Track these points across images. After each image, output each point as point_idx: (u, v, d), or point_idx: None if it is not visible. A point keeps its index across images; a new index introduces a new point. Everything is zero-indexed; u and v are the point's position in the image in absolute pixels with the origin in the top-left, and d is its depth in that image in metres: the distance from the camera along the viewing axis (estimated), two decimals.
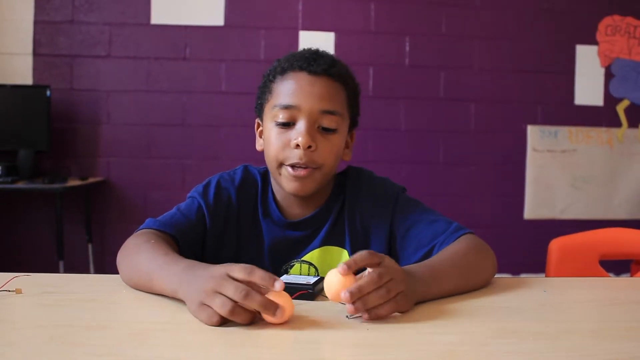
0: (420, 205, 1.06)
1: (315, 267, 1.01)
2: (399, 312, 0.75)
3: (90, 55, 3.05)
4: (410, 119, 3.23)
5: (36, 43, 3.01)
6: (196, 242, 0.99)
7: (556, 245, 1.38)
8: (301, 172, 0.96)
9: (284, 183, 0.99)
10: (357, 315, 0.72)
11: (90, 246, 3.05)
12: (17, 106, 2.90)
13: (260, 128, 1.06)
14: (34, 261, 3.05)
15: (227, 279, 0.68)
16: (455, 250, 0.93)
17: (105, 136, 3.08)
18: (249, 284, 0.68)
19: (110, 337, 0.64)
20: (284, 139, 0.97)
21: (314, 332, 0.69)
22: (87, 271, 3.02)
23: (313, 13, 3.15)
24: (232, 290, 0.67)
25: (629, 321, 0.77)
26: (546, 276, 1.38)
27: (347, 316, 0.72)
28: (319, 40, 3.08)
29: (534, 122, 3.29)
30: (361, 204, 1.04)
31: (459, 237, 0.97)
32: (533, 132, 3.29)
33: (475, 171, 3.28)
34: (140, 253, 0.87)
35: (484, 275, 0.93)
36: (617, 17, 3.31)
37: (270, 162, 1.00)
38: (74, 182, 2.80)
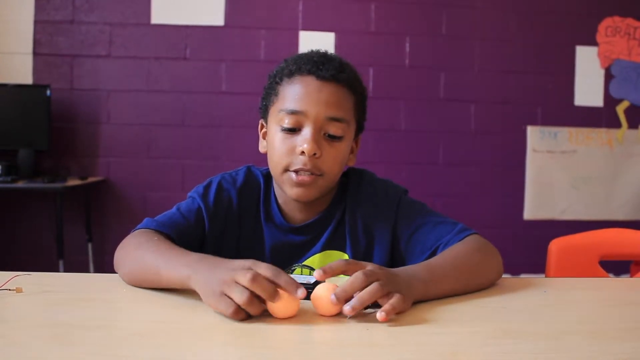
0: (423, 207, 1.05)
1: None
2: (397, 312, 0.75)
3: (91, 55, 3.05)
4: (410, 120, 3.23)
5: (36, 43, 3.01)
6: (194, 243, 0.98)
7: (556, 246, 1.38)
8: (305, 178, 0.95)
9: (287, 188, 0.98)
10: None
11: (90, 245, 3.05)
12: (17, 106, 2.90)
13: (264, 129, 1.05)
14: (34, 260, 3.05)
15: (248, 271, 0.69)
16: (457, 250, 0.92)
17: (105, 136, 3.08)
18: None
19: (110, 337, 0.64)
20: (289, 145, 0.96)
21: (314, 332, 0.69)
22: (86, 270, 3.02)
23: (313, 13, 3.15)
24: (248, 279, 0.68)
25: (629, 322, 0.77)
26: (546, 277, 1.38)
27: (347, 316, 0.72)
28: (319, 41, 3.08)
29: (534, 122, 3.29)
30: (363, 207, 1.04)
31: (463, 238, 0.96)
32: (533, 133, 3.29)
33: (475, 172, 3.28)
34: (144, 249, 0.86)
35: (488, 276, 0.92)
36: (617, 18, 3.32)
37: (275, 167, 0.99)
38: (73, 182, 2.80)
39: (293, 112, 0.95)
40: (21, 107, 2.90)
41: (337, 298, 0.71)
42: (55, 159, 3.03)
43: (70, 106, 3.05)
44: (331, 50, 3.02)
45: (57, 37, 3.03)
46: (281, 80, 0.99)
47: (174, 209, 1.01)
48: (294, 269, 0.96)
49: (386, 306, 0.70)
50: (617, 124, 3.34)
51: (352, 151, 1.05)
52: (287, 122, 0.96)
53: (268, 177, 1.07)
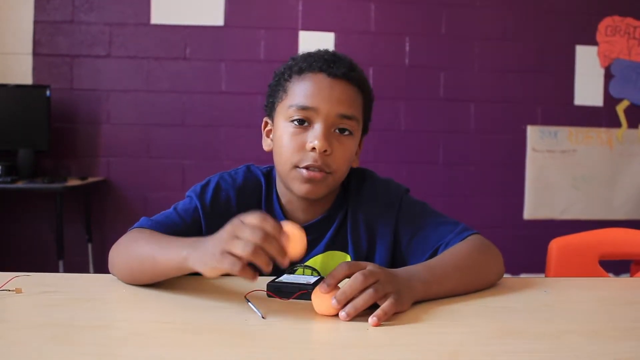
0: (425, 207, 1.05)
1: (318, 272, 1.00)
2: (397, 312, 0.74)
3: (90, 55, 3.05)
4: (410, 119, 3.23)
5: (36, 43, 3.01)
6: None
7: (556, 246, 1.38)
8: (316, 174, 0.94)
9: (295, 185, 0.97)
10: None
11: (90, 246, 3.05)
12: (17, 106, 2.90)
13: (268, 127, 1.04)
14: (33, 261, 3.05)
15: (243, 225, 0.70)
16: (458, 250, 0.92)
17: (105, 136, 3.08)
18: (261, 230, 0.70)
19: (109, 337, 0.64)
20: (299, 141, 0.94)
21: (314, 332, 0.69)
22: (86, 271, 3.02)
23: (313, 13, 3.15)
24: (250, 232, 0.69)
25: (629, 321, 0.77)
26: (546, 276, 1.38)
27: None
28: (318, 41, 3.08)
29: (534, 122, 3.29)
30: (365, 208, 1.03)
31: (464, 238, 0.96)
32: (533, 133, 3.29)
33: (475, 171, 3.28)
34: (139, 241, 0.87)
35: (489, 276, 0.92)
36: (617, 18, 3.31)
37: (283, 163, 0.97)
38: (73, 182, 2.80)
39: (304, 108, 0.94)
40: (21, 108, 2.90)
41: (338, 301, 0.71)
42: (55, 159, 3.03)
43: (70, 106, 3.05)
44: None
45: (57, 37, 3.03)
46: (290, 77, 0.98)
47: (171, 209, 1.00)
48: (296, 269, 0.96)
49: (378, 311, 0.71)
50: (617, 124, 3.34)
51: (355, 153, 1.04)
52: (298, 117, 0.95)
53: (269, 176, 1.06)
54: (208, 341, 0.64)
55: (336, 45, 3.14)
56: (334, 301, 0.71)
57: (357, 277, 0.72)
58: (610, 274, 1.47)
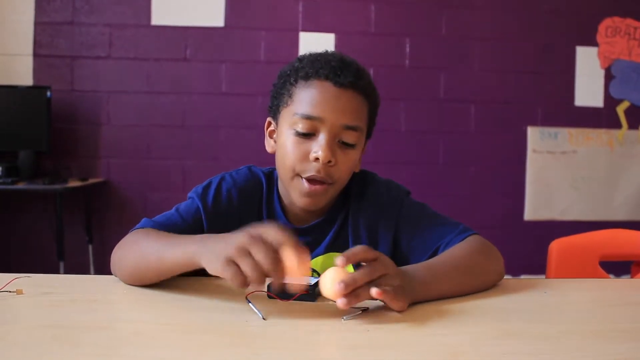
0: (426, 209, 1.05)
1: (318, 273, 1.00)
2: (396, 312, 0.75)
3: (91, 56, 3.06)
4: (410, 120, 3.23)
5: (37, 44, 3.02)
6: None
7: (556, 247, 1.38)
8: (317, 188, 0.94)
9: (296, 196, 0.97)
10: (352, 316, 0.73)
11: (90, 247, 3.05)
12: (18, 107, 2.91)
13: (272, 128, 1.04)
14: (34, 262, 3.05)
15: (259, 242, 0.70)
16: (458, 251, 0.92)
17: (105, 137, 3.08)
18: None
19: (110, 337, 0.64)
20: (302, 150, 0.94)
21: (313, 332, 0.69)
22: (87, 272, 3.02)
23: (313, 14, 3.15)
24: (263, 256, 0.68)
25: (630, 322, 0.77)
26: (546, 277, 1.38)
27: (343, 318, 0.72)
28: (319, 42, 3.08)
29: (534, 123, 3.29)
30: (366, 209, 1.03)
31: (464, 238, 0.96)
32: (533, 133, 3.29)
33: (475, 172, 3.28)
34: (144, 240, 0.87)
35: (489, 277, 0.91)
36: (617, 19, 3.32)
37: (285, 171, 0.97)
38: (74, 183, 2.81)
39: (309, 117, 0.93)
40: (21, 109, 2.90)
41: (346, 286, 0.70)
42: (55, 160, 3.03)
43: (71, 107, 3.06)
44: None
45: (57, 38, 3.03)
46: (296, 82, 0.97)
47: (172, 210, 1.00)
48: None
49: (384, 287, 0.72)
50: (617, 125, 3.34)
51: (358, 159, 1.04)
52: (302, 127, 0.94)
53: (270, 177, 1.06)
54: (208, 342, 0.64)
55: (336, 46, 3.14)
56: (341, 285, 0.70)
57: (367, 269, 0.73)
58: (611, 275, 1.47)
